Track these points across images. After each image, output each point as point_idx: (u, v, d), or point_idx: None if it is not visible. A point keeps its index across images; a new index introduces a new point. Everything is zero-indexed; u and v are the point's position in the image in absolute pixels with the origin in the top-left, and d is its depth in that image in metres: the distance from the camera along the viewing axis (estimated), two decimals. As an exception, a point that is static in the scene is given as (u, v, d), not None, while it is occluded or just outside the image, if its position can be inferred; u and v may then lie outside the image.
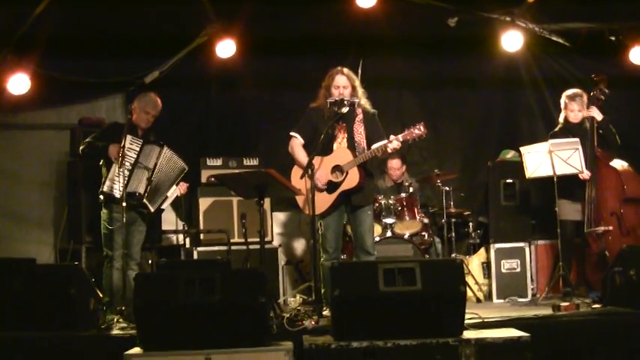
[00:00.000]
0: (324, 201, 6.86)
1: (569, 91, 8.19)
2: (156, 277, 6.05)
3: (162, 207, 7.51)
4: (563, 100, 8.19)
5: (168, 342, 5.40)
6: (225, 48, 9.06)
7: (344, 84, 7.00)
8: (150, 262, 8.27)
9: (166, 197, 7.45)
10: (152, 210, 7.33)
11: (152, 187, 7.21)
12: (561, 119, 8.24)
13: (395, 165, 9.32)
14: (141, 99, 7.42)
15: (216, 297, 5.40)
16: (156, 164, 7.23)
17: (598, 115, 7.95)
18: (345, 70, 7.10)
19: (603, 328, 6.29)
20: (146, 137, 7.31)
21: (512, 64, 9.99)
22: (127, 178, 6.94)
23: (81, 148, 7.38)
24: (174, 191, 7.49)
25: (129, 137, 7.06)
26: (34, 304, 6.03)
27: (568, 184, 7.88)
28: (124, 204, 6.80)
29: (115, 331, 6.20)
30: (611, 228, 7.71)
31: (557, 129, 8.25)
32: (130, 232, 7.17)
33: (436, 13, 9.00)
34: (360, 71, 9.03)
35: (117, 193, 6.95)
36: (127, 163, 7.03)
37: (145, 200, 7.17)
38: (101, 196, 7.17)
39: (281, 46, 9.41)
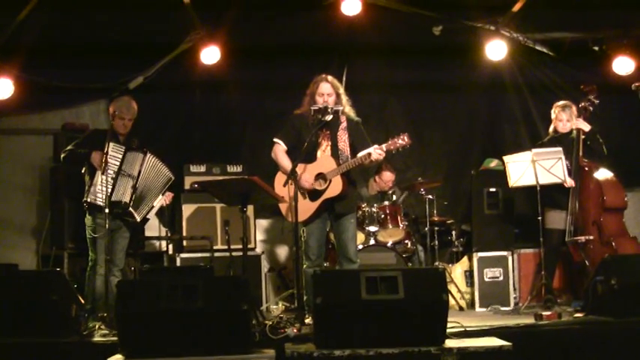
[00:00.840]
0: (306, 208, 6.86)
1: (560, 102, 8.23)
2: (138, 284, 6.02)
3: (148, 217, 7.47)
4: (553, 110, 8.22)
5: (150, 349, 5.38)
6: (210, 54, 9.06)
7: (328, 91, 6.99)
8: (132, 268, 8.23)
9: (152, 207, 7.42)
10: (138, 220, 7.30)
11: (137, 195, 7.19)
12: (551, 130, 8.28)
13: (387, 177, 9.31)
14: (115, 104, 7.37)
15: (198, 304, 5.38)
16: (140, 171, 7.21)
17: (585, 127, 7.99)
18: (330, 77, 7.09)
19: (585, 337, 6.30)
20: (128, 143, 7.27)
21: (497, 72, 10.03)
22: (111, 187, 6.93)
23: (62, 155, 7.34)
24: (160, 201, 7.46)
25: (111, 145, 7.02)
26: (16, 310, 6.00)
27: (554, 193, 7.92)
28: (108, 211, 6.79)
29: (97, 338, 6.16)
30: (592, 237, 7.73)
31: (545, 139, 8.29)
32: (114, 239, 7.15)
33: (421, 21, 9.06)
34: (344, 78, 9.07)
35: (101, 202, 6.92)
36: (111, 171, 7.00)
37: (130, 209, 7.15)
38: (85, 205, 7.14)
39: (265, 53, 9.44)
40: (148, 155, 7.27)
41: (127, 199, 7.11)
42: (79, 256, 8.37)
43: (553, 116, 8.23)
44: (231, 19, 8.83)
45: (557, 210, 8.01)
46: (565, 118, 8.11)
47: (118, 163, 7.11)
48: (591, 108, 8.03)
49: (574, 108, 8.12)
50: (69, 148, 7.29)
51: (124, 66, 9.34)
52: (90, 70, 9.17)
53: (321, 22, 9.00)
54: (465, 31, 9.30)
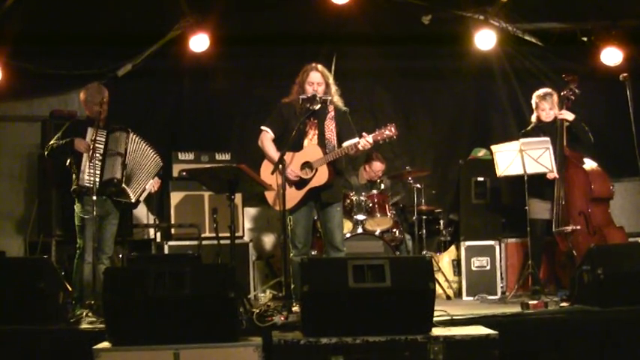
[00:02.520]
0: (292, 197, 6.87)
1: (540, 91, 8.25)
2: (125, 271, 6.05)
3: (140, 199, 7.48)
4: (534, 100, 8.24)
5: (137, 336, 5.38)
6: (199, 42, 9.04)
7: (318, 80, 7.00)
8: (120, 256, 8.23)
9: (144, 189, 7.41)
10: (133, 199, 7.30)
11: (128, 171, 7.16)
12: (533, 119, 8.30)
13: (377, 168, 9.32)
14: (85, 92, 7.34)
15: (185, 292, 5.39)
16: (126, 149, 7.19)
17: (569, 116, 8.00)
18: (320, 66, 7.09)
19: (571, 326, 6.33)
20: (109, 127, 7.26)
21: (485, 62, 10.05)
22: (99, 170, 6.94)
23: (46, 152, 7.33)
24: (151, 184, 7.46)
25: (92, 130, 7.00)
26: (3, 297, 5.98)
27: (538, 183, 7.93)
28: (99, 194, 6.84)
29: (84, 325, 6.14)
30: (578, 227, 7.75)
31: (529, 128, 8.31)
32: (102, 226, 7.16)
33: (410, 10, 9.05)
34: (333, 67, 9.06)
35: (89, 183, 6.90)
36: (97, 154, 6.99)
37: (124, 185, 7.13)
38: (74, 194, 7.13)
39: (254, 40, 9.42)
40: (131, 133, 7.26)
41: (118, 175, 7.10)
42: (66, 243, 8.35)
43: (534, 106, 8.25)
44: (221, 6, 8.81)
45: (540, 200, 8.02)
46: (547, 107, 8.12)
47: (103, 146, 7.10)
48: (573, 97, 8.03)
49: (555, 96, 8.14)
50: (51, 143, 7.26)
51: (113, 54, 9.30)
52: (79, 57, 9.14)
53: (311, 10, 8.99)
54: (454, 20, 9.29)
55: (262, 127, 7.12)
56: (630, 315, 6.29)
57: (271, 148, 7.03)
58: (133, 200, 7.32)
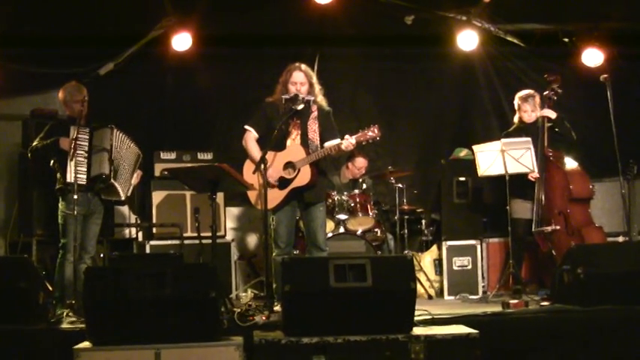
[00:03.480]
0: (275, 196, 6.87)
1: (522, 93, 8.29)
2: (106, 271, 6.00)
3: (128, 194, 7.46)
4: (516, 101, 8.29)
5: (118, 336, 5.35)
6: (181, 41, 9.04)
7: (301, 80, 7.00)
8: (102, 255, 8.20)
9: (131, 184, 7.40)
10: (123, 197, 7.28)
11: (115, 167, 7.14)
12: (516, 120, 8.34)
13: (360, 164, 9.34)
14: (64, 91, 7.32)
15: (166, 291, 5.37)
16: (112, 145, 7.15)
17: (552, 114, 8.03)
18: (303, 66, 7.09)
19: (551, 326, 6.36)
20: (91, 125, 7.23)
21: (468, 63, 10.09)
22: (86, 167, 6.96)
23: (29, 154, 7.31)
24: (134, 179, 7.45)
25: (74, 129, 6.98)
26: (-17, 297, 5.96)
27: (520, 183, 7.97)
28: (91, 192, 6.95)
29: (65, 325, 6.12)
30: (558, 227, 7.79)
31: (511, 129, 8.35)
32: (86, 225, 7.15)
33: (393, 10, 9.04)
34: (316, 67, 9.06)
35: (80, 181, 6.90)
36: (82, 152, 6.98)
37: (112, 181, 7.10)
38: (58, 192, 7.11)
39: (237, 40, 9.41)
40: (115, 129, 7.23)
41: (106, 171, 7.06)
42: (47, 243, 8.31)
43: (516, 107, 8.29)
44: (203, 5, 8.80)
45: (522, 200, 8.06)
46: (529, 109, 8.17)
47: (87, 144, 7.08)
48: (555, 97, 8.08)
49: (537, 97, 8.18)
50: (34, 144, 7.24)
51: (95, 52, 9.26)
52: (60, 56, 9.10)
53: (294, 10, 8.99)
54: (436, 21, 9.32)
55: (246, 127, 7.12)
56: (610, 314, 6.33)
57: (254, 147, 7.02)
58: (123, 198, 7.31)
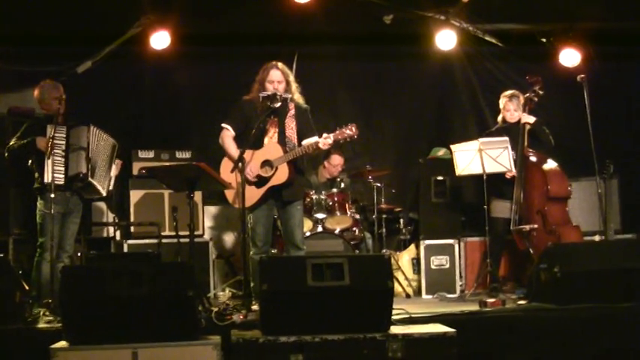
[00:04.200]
0: (252, 195, 6.85)
1: (508, 92, 8.34)
2: (83, 270, 6.00)
3: (110, 188, 7.44)
4: (501, 100, 8.32)
5: (95, 336, 5.33)
6: (160, 39, 9.00)
7: (278, 79, 6.99)
8: (79, 254, 8.17)
9: (110, 178, 7.37)
10: (104, 193, 7.27)
11: (92, 165, 7.11)
12: (499, 119, 8.39)
13: (337, 162, 9.35)
14: (40, 89, 7.30)
15: (143, 290, 5.36)
16: (89, 143, 7.12)
17: (530, 119, 8.08)
18: (280, 64, 7.09)
19: (528, 324, 6.39)
20: (68, 123, 7.20)
21: (446, 62, 10.12)
22: (63, 166, 6.93)
23: (6, 154, 7.27)
24: (114, 170, 7.42)
25: (50, 127, 6.94)
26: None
27: (498, 183, 8.01)
28: (69, 191, 6.93)
29: (41, 325, 6.09)
30: (536, 226, 7.83)
31: (493, 128, 8.40)
32: (65, 224, 7.13)
33: (372, 9, 9.05)
34: (294, 66, 9.06)
35: (57, 181, 6.87)
36: (59, 150, 6.95)
37: (90, 179, 7.07)
38: (37, 191, 7.08)
39: (216, 39, 9.40)
40: (92, 126, 7.19)
41: (83, 169, 7.03)
42: (24, 242, 8.26)
43: (501, 106, 8.32)
44: (182, 4, 8.77)
45: (501, 199, 8.11)
46: (512, 108, 8.21)
47: (64, 142, 7.05)
48: (536, 99, 8.13)
49: (521, 97, 8.23)
50: (11, 144, 7.20)
51: (73, 50, 9.21)
52: (38, 54, 9.06)
53: (273, 9, 8.97)
54: (415, 20, 9.33)
55: (223, 125, 7.10)
56: (586, 313, 6.36)
57: (232, 145, 7.01)
58: (104, 194, 7.30)
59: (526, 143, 8.04)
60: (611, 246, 7.44)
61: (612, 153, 8.31)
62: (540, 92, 8.12)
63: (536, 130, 8.12)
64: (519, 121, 8.17)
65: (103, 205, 9.01)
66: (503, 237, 8.18)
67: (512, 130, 8.17)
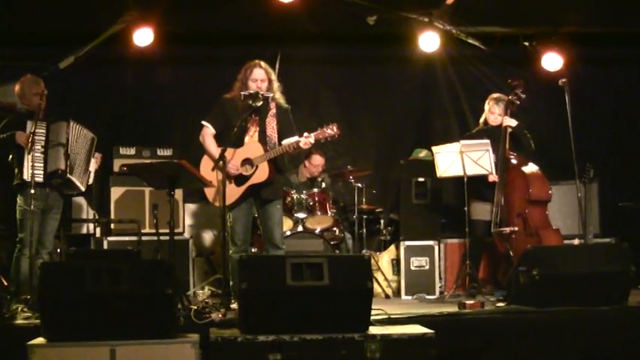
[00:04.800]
0: (232, 193, 6.83)
1: (495, 95, 8.36)
2: (62, 266, 5.97)
3: (89, 182, 7.42)
4: (488, 102, 8.33)
5: (73, 333, 5.30)
6: (143, 36, 8.96)
7: (262, 77, 6.99)
8: (59, 251, 8.13)
9: (90, 172, 7.34)
10: (83, 189, 7.25)
11: (71, 161, 7.07)
12: (481, 121, 8.41)
13: (317, 162, 9.36)
14: (21, 84, 7.26)
15: (122, 287, 5.34)
16: (68, 139, 7.08)
17: (512, 123, 8.12)
18: (263, 63, 7.08)
19: (506, 326, 6.43)
20: (48, 119, 7.17)
21: (429, 64, 10.15)
22: (42, 162, 6.89)
23: None
24: (93, 164, 7.39)
25: (31, 123, 6.91)
26: None
27: (479, 185, 8.03)
28: (48, 188, 6.88)
29: (19, 321, 6.08)
30: (517, 229, 7.85)
31: (474, 130, 8.43)
32: (45, 220, 7.10)
33: (356, 10, 9.05)
34: (277, 65, 9.06)
35: (37, 178, 6.83)
36: (39, 146, 6.92)
37: (69, 176, 7.04)
38: (17, 188, 7.04)
39: (199, 36, 9.39)
40: (72, 122, 7.16)
41: (62, 166, 6.99)
42: (3, 238, 8.21)
43: (486, 108, 8.34)
44: (166, 2, 8.75)
45: (481, 202, 8.13)
46: (497, 112, 8.24)
47: (44, 138, 7.01)
48: (518, 102, 8.17)
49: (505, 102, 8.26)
50: None
51: (56, 45, 9.19)
52: (20, 49, 9.03)
53: (257, 7, 8.96)
54: (399, 22, 9.33)
55: (203, 123, 7.09)
56: (564, 315, 6.41)
57: (212, 143, 7.00)
58: (83, 189, 7.28)
59: (507, 146, 8.07)
60: (590, 250, 7.48)
61: (592, 157, 8.37)
62: (522, 96, 8.15)
63: (517, 134, 8.15)
64: (501, 124, 8.20)
65: (83, 201, 8.97)
66: (482, 239, 8.21)
67: (493, 133, 8.20)
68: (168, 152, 9.20)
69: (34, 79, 7.27)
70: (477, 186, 8.04)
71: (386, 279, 8.96)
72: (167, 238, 6.73)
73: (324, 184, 9.12)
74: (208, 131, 7.06)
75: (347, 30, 9.69)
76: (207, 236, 9.79)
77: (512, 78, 8.31)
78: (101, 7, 8.79)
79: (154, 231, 7.80)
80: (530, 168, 8.10)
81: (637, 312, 6.51)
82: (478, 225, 8.15)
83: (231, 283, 6.76)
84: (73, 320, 5.33)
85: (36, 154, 6.87)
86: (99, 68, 9.55)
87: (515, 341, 6.33)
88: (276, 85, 7.07)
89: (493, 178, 7.95)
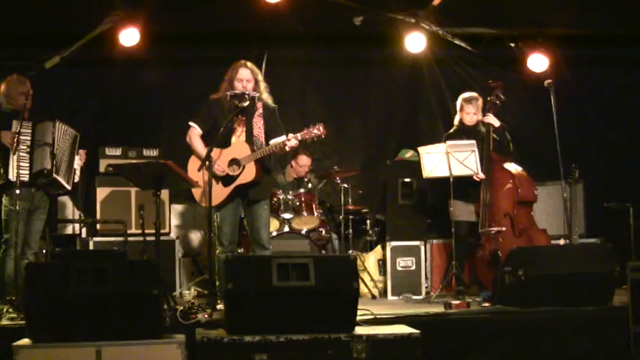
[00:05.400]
0: (219, 194, 6.85)
1: (466, 94, 8.39)
2: (47, 267, 5.93)
3: (75, 180, 7.39)
4: (459, 102, 8.37)
5: (59, 333, 5.30)
6: (129, 36, 8.93)
7: (247, 77, 6.99)
8: (44, 251, 8.11)
9: (74, 170, 7.32)
10: (69, 187, 7.22)
11: (57, 161, 7.05)
12: (456, 121, 8.44)
13: (304, 162, 9.34)
14: (7, 84, 7.23)
15: (108, 288, 5.34)
16: (54, 138, 7.06)
17: (495, 122, 8.14)
18: (249, 63, 7.09)
19: (492, 326, 6.45)
20: (34, 119, 7.15)
21: (416, 65, 10.16)
22: (28, 162, 6.87)
23: None
24: (77, 162, 7.37)
25: (16, 123, 6.88)
26: None
27: (462, 185, 8.04)
28: (33, 188, 6.86)
29: (4, 322, 6.05)
30: (504, 229, 7.87)
31: (452, 131, 8.44)
32: (30, 221, 7.07)
33: (342, 10, 9.06)
34: (264, 65, 9.06)
35: (22, 177, 6.81)
36: (24, 146, 6.90)
37: (54, 175, 7.01)
38: (2, 188, 7.02)
39: (185, 36, 9.39)
40: (57, 122, 7.13)
41: (48, 165, 6.96)
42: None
43: (459, 108, 8.38)
44: (151, 1, 8.74)
45: (464, 202, 8.14)
46: (472, 111, 8.27)
47: (29, 138, 6.99)
48: (498, 102, 8.20)
49: (480, 101, 8.30)
50: None
51: (41, 45, 9.13)
52: (5, 48, 8.98)
53: (243, 7, 8.96)
54: (385, 22, 9.35)
55: (190, 123, 7.09)
56: (549, 316, 6.45)
57: (199, 144, 7.00)
58: (69, 188, 7.25)
59: (491, 146, 8.10)
60: (575, 250, 7.52)
61: (578, 158, 8.40)
62: (502, 96, 8.19)
63: (498, 134, 8.17)
64: (477, 123, 8.24)
65: (69, 201, 8.95)
66: (466, 240, 8.22)
67: (471, 133, 8.23)
68: (154, 153, 9.18)
69: (19, 79, 7.24)
70: (461, 186, 8.03)
71: (372, 279, 8.97)
72: (153, 238, 6.72)
73: (310, 185, 9.11)
74: (195, 132, 7.05)
75: (333, 30, 9.69)
76: (194, 237, 9.78)
77: (492, 79, 8.37)
78: (87, 7, 8.77)
79: (140, 231, 7.76)
80: (516, 168, 8.13)
81: (621, 312, 6.54)
82: (461, 226, 8.16)
83: (217, 283, 6.77)
84: (58, 321, 5.32)
85: (21, 154, 6.85)
86: (85, 68, 9.50)
87: (500, 341, 6.37)
88: (262, 85, 7.07)
89: (481, 176, 7.97)
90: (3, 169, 7.00)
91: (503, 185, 8.04)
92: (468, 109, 8.28)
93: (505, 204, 8.00)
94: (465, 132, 8.25)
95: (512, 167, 8.14)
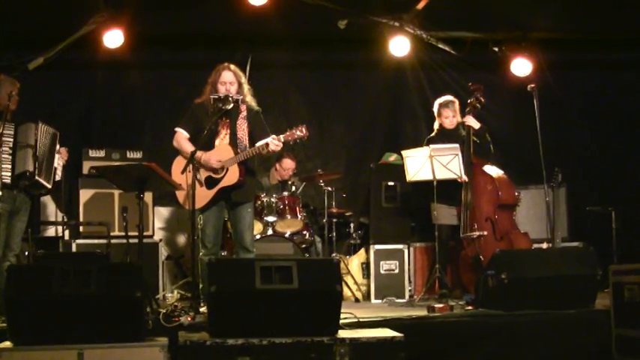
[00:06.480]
0: (203, 196, 6.85)
1: (442, 99, 8.44)
2: (29, 269, 5.92)
3: (57, 178, 7.34)
4: (436, 107, 8.43)
5: (41, 336, 5.28)
6: (113, 38, 8.91)
7: (230, 80, 6.99)
8: (27, 253, 8.07)
9: (55, 169, 7.28)
10: (49, 186, 7.16)
11: (39, 162, 7.01)
12: (436, 126, 8.47)
13: (288, 165, 9.35)
14: None
15: (90, 290, 5.32)
16: (36, 140, 7.03)
17: (475, 124, 8.17)
18: (232, 66, 7.10)
19: (475, 330, 6.47)
20: (17, 120, 7.11)
21: (400, 68, 10.18)
22: (10, 164, 6.83)
23: None
24: (59, 160, 7.33)
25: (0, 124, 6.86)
26: None
27: (444, 189, 8.04)
28: (16, 190, 6.83)
29: (-15, 324, 6.02)
30: (485, 233, 7.90)
31: (433, 134, 8.46)
32: (12, 223, 7.02)
33: (327, 14, 9.07)
34: (248, 67, 9.05)
35: (4, 179, 6.78)
36: (7, 148, 6.86)
37: (37, 177, 6.97)
38: None
39: (170, 39, 9.39)
40: (40, 123, 7.10)
41: (30, 167, 6.91)
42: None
43: (436, 113, 8.42)
44: (136, 2, 8.71)
45: (446, 206, 8.15)
46: (450, 115, 8.33)
47: (11, 140, 6.95)
48: (478, 105, 8.24)
49: (457, 103, 8.35)
50: None
51: (25, 46, 9.11)
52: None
53: (227, 10, 8.95)
54: (369, 26, 9.37)
55: (176, 129, 7.08)
56: (532, 318, 6.48)
57: (188, 144, 6.96)
58: (49, 187, 7.20)
59: (472, 149, 8.12)
60: (558, 253, 7.52)
61: (561, 161, 8.43)
62: (482, 99, 8.22)
63: (478, 137, 8.19)
64: (458, 126, 8.27)
65: (52, 203, 8.91)
66: (446, 243, 8.23)
67: (452, 137, 8.25)
68: (137, 155, 9.14)
69: (7, 79, 7.20)
70: (443, 190, 8.03)
71: (356, 282, 8.97)
72: (136, 240, 6.70)
73: (294, 188, 9.11)
74: (182, 135, 7.04)
75: (318, 34, 9.72)
76: (178, 239, 9.77)
77: (472, 82, 8.41)
78: (71, 9, 8.73)
79: (123, 234, 7.75)
80: (497, 172, 8.16)
81: (603, 315, 6.57)
82: (443, 229, 8.17)
83: (200, 286, 6.75)
84: (40, 324, 5.30)
85: (3, 156, 6.82)
86: (68, 70, 9.47)
87: (484, 344, 6.39)
88: (246, 87, 7.08)
89: (464, 179, 7.98)
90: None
91: (484, 189, 8.07)
92: (446, 113, 8.32)
93: (486, 207, 8.03)
94: (445, 135, 8.28)
95: (493, 170, 8.16)
